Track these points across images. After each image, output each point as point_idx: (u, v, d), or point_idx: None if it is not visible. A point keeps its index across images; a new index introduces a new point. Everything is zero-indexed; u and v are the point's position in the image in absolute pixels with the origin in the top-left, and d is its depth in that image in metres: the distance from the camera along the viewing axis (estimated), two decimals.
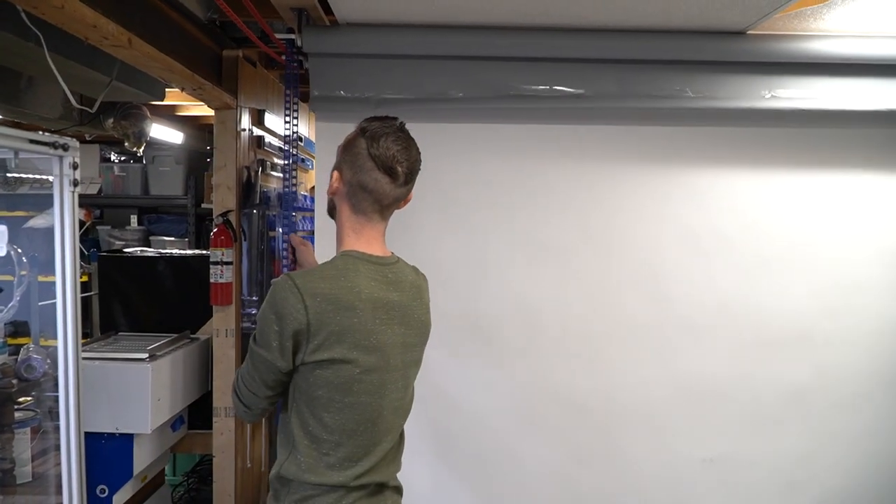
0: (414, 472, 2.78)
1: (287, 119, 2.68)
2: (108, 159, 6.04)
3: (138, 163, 5.91)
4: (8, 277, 2.44)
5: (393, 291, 1.51)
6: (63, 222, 1.36)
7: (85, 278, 4.49)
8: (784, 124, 2.80)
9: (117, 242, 5.93)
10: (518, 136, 2.82)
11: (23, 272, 1.91)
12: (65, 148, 1.28)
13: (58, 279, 1.44)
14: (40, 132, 1.24)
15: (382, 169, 1.48)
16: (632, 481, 2.97)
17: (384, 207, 1.53)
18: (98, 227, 6.11)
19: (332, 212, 1.60)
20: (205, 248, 5.10)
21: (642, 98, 2.61)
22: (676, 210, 2.88)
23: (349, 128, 1.53)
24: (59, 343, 1.50)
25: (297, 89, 2.67)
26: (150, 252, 3.89)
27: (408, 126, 1.51)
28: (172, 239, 5.93)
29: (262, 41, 2.75)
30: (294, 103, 2.67)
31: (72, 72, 2.56)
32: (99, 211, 6.33)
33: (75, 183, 1.34)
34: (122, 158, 5.99)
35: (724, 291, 2.90)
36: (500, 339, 2.90)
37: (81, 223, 3.21)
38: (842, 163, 2.90)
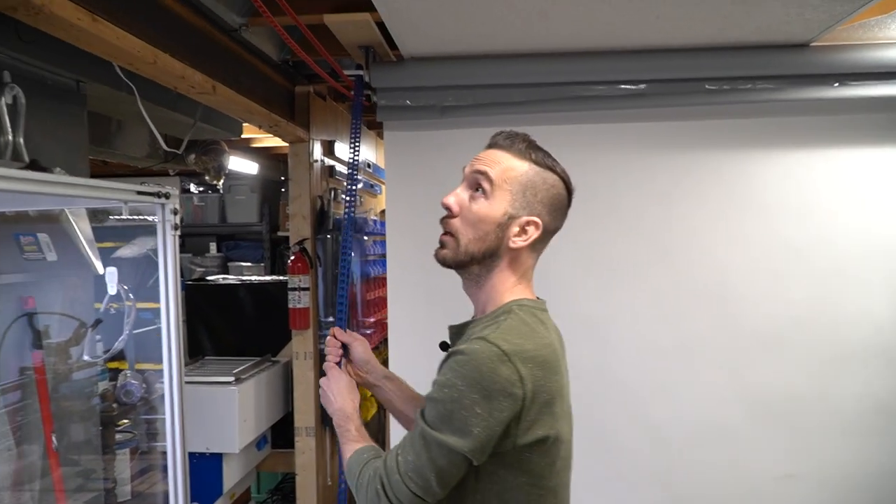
0: None
1: (352, 147, 2.78)
2: (188, 190, 6.34)
3: (216, 193, 6.19)
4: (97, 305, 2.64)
5: (559, 340, 1.37)
6: (166, 261, 1.50)
7: None
8: (853, 111, 2.74)
9: (198, 269, 6.20)
10: (579, 138, 2.83)
11: (128, 303, 2.07)
12: (167, 196, 1.42)
13: (162, 312, 1.57)
14: (145, 183, 1.38)
15: (568, 210, 1.38)
16: (709, 498, 2.95)
17: None
18: (180, 255, 6.41)
19: (483, 257, 1.29)
20: (280, 273, 5.31)
21: (701, 94, 2.64)
22: (743, 214, 2.86)
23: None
24: (165, 371, 1.63)
25: (359, 121, 2.77)
26: (232, 279, 4.08)
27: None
28: (249, 264, 6.16)
29: (332, 77, 2.89)
30: (356, 134, 2.77)
31: (158, 115, 2.75)
32: (181, 239, 6.65)
33: (176, 226, 1.48)
34: (201, 189, 6.28)
35: (796, 303, 2.86)
36: (571, 358, 2.94)
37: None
38: None
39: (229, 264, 6.19)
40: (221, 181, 4.08)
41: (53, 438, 2.03)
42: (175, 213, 1.45)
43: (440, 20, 2.25)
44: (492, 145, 1.33)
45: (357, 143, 2.77)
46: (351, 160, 2.76)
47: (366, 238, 4.04)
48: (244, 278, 4.14)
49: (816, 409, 2.88)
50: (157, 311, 2.56)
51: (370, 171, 4.30)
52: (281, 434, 3.45)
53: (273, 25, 2.20)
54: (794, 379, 2.87)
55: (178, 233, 1.51)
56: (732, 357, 2.89)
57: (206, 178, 4.00)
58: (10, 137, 1.87)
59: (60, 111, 2.15)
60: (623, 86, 2.60)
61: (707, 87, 2.58)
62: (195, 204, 6.25)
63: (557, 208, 1.32)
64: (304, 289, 3.18)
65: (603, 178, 2.86)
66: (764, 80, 2.58)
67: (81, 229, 2.07)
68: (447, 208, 1.31)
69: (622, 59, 2.56)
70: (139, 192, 1.35)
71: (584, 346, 2.93)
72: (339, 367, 1.47)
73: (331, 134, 3.58)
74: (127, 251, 2.89)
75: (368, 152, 4.43)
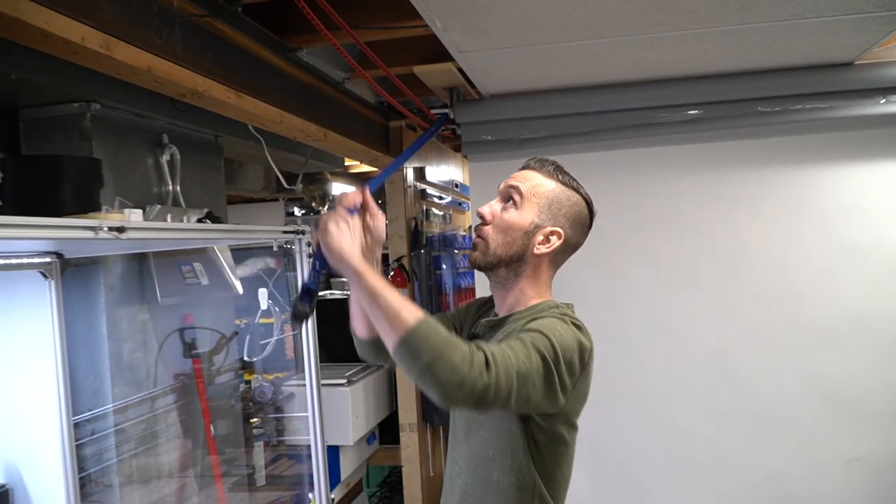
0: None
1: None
2: (292, 213, 6.89)
3: (316, 214, 6.71)
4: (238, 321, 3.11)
5: None
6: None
7: None
8: None
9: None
10: (647, 160, 3.15)
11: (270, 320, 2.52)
12: (302, 233, 1.83)
13: (305, 334, 1.98)
14: (290, 225, 1.80)
15: (589, 231, 1.55)
16: (779, 483, 3.17)
17: None
18: (287, 274, 6.97)
19: (510, 260, 1.43)
20: None
21: (755, 116, 2.89)
22: (801, 222, 3.09)
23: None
24: (306, 374, 2.04)
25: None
26: (338, 294, 4.54)
27: (545, 157, 1.52)
28: (339, 279, 6.65)
29: (420, 116, 3.29)
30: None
31: (275, 156, 3.22)
32: (286, 259, 7.23)
33: (310, 255, 1.89)
34: (303, 212, 6.83)
35: (854, 300, 3.06)
36: (643, 354, 3.23)
37: (272, 271, 3.89)
38: None
39: (331, 280, 6.72)
40: (326, 206, 4.55)
41: (212, 428, 2.48)
42: (308, 244, 1.86)
43: (510, 66, 2.60)
44: (525, 167, 1.51)
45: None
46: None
47: (455, 252, 4.43)
48: (348, 293, 4.59)
49: (878, 397, 3.06)
50: (268, 326, 3.04)
51: (457, 189, 4.69)
52: (387, 431, 3.86)
53: (368, 81, 2.61)
54: (856, 370, 3.07)
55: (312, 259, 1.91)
56: (797, 351, 3.11)
57: (313, 204, 4.49)
58: (170, 187, 2.34)
59: (203, 162, 2.62)
60: (681, 111, 2.88)
61: (759, 108, 2.83)
62: (298, 226, 6.82)
63: (579, 223, 1.49)
64: None
65: (667, 194, 3.17)
66: (812, 99, 2.81)
67: (224, 258, 2.54)
68: (481, 217, 1.48)
69: (678, 87, 2.85)
70: (285, 232, 1.77)
71: (659, 345, 3.22)
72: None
73: (421, 161, 3.98)
74: (242, 271, 3.37)
75: (456, 172, 4.82)
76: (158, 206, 2.18)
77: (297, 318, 1.40)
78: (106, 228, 1.10)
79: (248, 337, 2.85)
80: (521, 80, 2.82)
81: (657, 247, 3.19)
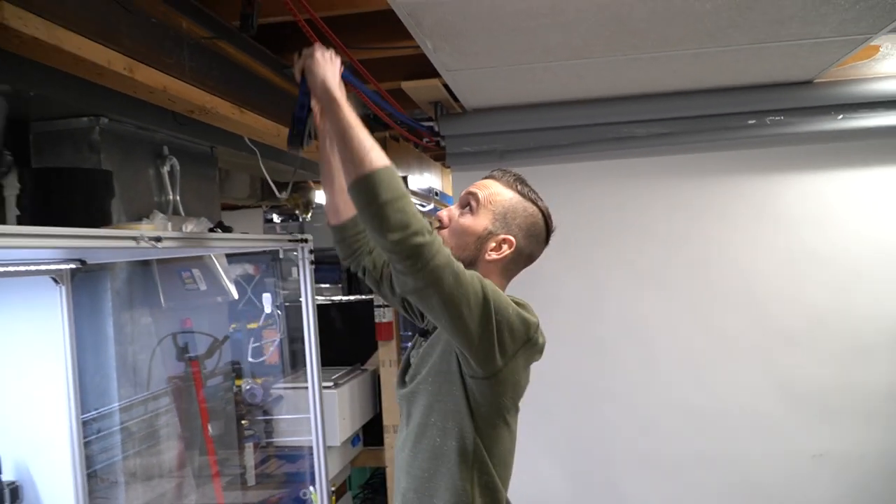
0: (550, 474, 3.32)
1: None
2: (270, 220, 6.96)
3: (295, 221, 6.80)
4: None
5: None
6: (306, 288, 2.03)
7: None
8: (858, 139, 3.13)
9: (283, 291, 6.81)
10: (622, 171, 3.33)
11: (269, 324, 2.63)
12: (306, 241, 1.95)
13: (305, 329, 2.11)
14: (294, 233, 1.92)
15: (546, 243, 1.59)
16: (749, 477, 3.34)
17: None
18: (266, 280, 7.04)
19: (462, 264, 1.35)
20: (355, 293, 5.88)
21: (723, 130, 3.07)
22: (766, 230, 3.28)
23: (481, 175, 1.58)
24: (309, 376, 2.16)
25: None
26: (321, 300, 4.65)
27: (527, 169, 1.61)
28: (328, 286, 6.74)
29: (406, 129, 3.42)
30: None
31: (266, 165, 3.32)
32: (265, 265, 7.31)
33: (312, 262, 2.01)
34: (283, 218, 6.91)
35: (818, 303, 3.26)
36: (618, 355, 3.39)
37: (251, 277, 4.01)
38: None
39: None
40: (309, 214, 4.66)
41: (210, 427, 2.58)
42: (311, 251, 1.99)
43: (493, 83, 2.75)
44: (487, 176, 1.57)
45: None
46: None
47: None
48: (335, 298, 4.71)
49: (840, 395, 3.26)
50: (252, 332, 3.16)
51: (437, 198, 4.82)
52: (370, 433, 3.98)
53: (359, 96, 2.74)
54: (818, 370, 3.26)
55: (313, 267, 2.04)
56: (763, 352, 3.31)
57: (297, 212, 4.59)
58: (171, 197, 2.44)
59: (199, 172, 2.72)
60: (653, 125, 3.05)
61: (726, 123, 3.01)
62: (277, 233, 6.89)
63: (533, 234, 1.53)
64: (388, 305, 3.71)
65: (641, 203, 3.35)
66: (775, 114, 2.99)
67: (221, 265, 2.64)
68: (439, 220, 1.53)
69: (651, 102, 3.02)
70: (290, 240, 1.89)
71: (631, 345, 3.39)
72: None
73: (404, 170, 4.10)
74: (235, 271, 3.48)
75: (436, 181, 4.96)
76: (161, 215, 2.28)
77: (293, 145, 1.55)
78: (147, 238, 1.22)
79: (251, 339, 2.97)
80: (503, 95, 2.96)
81: (632, 253, 3.37)
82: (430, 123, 3.21)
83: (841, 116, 2.97)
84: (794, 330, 3.30)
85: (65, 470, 2.04)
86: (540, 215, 1.55)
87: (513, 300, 1.42)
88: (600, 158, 3.24)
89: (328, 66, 1.41)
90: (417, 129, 3.17)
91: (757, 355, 3.32)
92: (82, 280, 2.08)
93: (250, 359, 2.88)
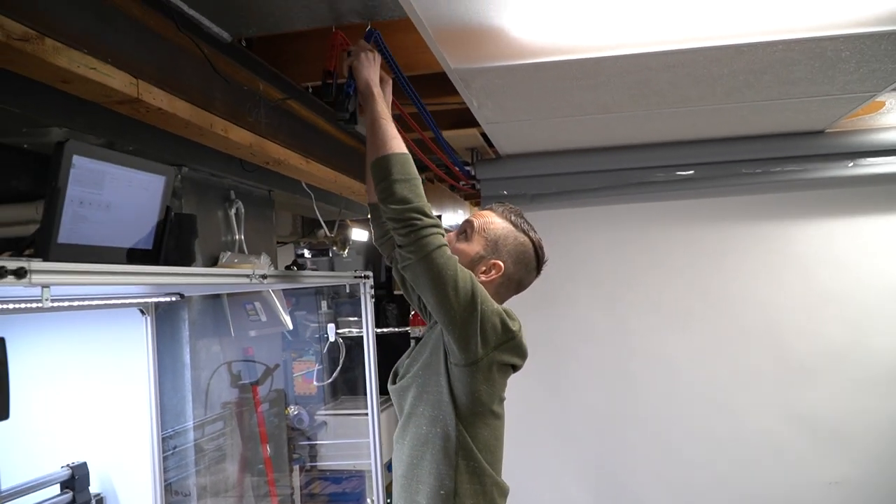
0: (578, 496, 3.50)
1: None
2: (302, 255, 7.22)
3: (325, 256, 7.05)
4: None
5: None
6: (367, 318, 2.27)
7: None
8: (868, 184, 3.35)
9: (312, 324, 7.04)
10: (646, 214, 3.56)
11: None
12: (367, 277, 2.19)
13: (366, 357, 2.33)
14: (356, 270, 2.17)
15: (537, 270, 1.73)
16: (768, 501, 3.51)
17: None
18: (296, 313, 7.28)
19: None
20: (382, 325, 6.13)
21: (741, 176, 3.29)
22: (783, 270, 3.49)
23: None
24: (368, 399, 2.38)
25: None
26: (356, 332, 4.87)
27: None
28: (355, 318, 6.95)
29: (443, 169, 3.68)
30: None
31: (310, 205, 3.59)
32: (295, 299, 7.56)
33: (373, 297, 2.25)
34: (313, 253, 7.17)
35: (833, 339, 3.44)
36: (644, 388, 3.59)
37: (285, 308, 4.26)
38: None
39: (338, 319, 7.03)
40: (346, 251, 4.91)
41: (268, 448, 2.80)
42: (372, 287, 2.23)
43: (527, 133, 3.00)
44: (486, 207, 1.74)
45: None
46: None
47: None
48: (375, 330, 4.94)
49: (854, 426, 3.43)
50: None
51: None
52: None
53: (409, 142, 3.00)
54: (833, 401, 3.44)
55: (373, 301, 2.27)
56: (781, 385, 3.49)
57: (335, 248, 4.85)
58: (237, 236, 2.70)
59: (259, 213, 2.98)
60: (675, 170, 3.28)
61: (743, 170, 3.24)
62: (308, 266, 7.16)
63: (522, 262, 1.67)
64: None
65: (666, 245, 3.60)
66: (789, 162, 3.22)
67: (276, 298, 2.89)
68: None
69: (672, 150, 3.26)
70: (355, 277, 2.14)
71: (658, 379, 3.59)
72: None
73: (437, 208, 4.36)
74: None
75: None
76: (229, 253, 2.54)
77: (339, 111, 1.81)
78: (257, 276, 1.46)
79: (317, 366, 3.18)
80: (536, 142, 3.22)
81: (657, 292, 3.59)
82: (468, 168, 3.46)
83: (852, 164, 3.19)
84: (811, 364, 3.48)
85: (145, 482, 2.27)
86: (530, 245, 1.69)
87: (503, 308, 1.57)
88: (626, 202, 3.48)
89: (371, 66, 1.68)
90: (459, 171, 3.42)
91: (775, 387, 3.50)
92: (164, 311, 2.33)
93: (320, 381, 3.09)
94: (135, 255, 1.25)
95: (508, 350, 1.57)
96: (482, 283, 1.59)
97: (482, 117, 2.64)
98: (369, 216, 1.94)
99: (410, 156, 1.53)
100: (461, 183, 3.57)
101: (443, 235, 1.48)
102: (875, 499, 3.44)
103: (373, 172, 1.52)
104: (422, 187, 1.51)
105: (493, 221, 1.70)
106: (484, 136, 3.17)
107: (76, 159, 1.27)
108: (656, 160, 3.32)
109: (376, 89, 1.63)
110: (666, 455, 3.58)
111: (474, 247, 1.66)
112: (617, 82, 2.25)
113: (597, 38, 1.89)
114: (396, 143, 1.53)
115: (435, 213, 1.53)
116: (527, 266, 1.70)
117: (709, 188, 3.37)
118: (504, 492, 1.64)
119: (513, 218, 1.70)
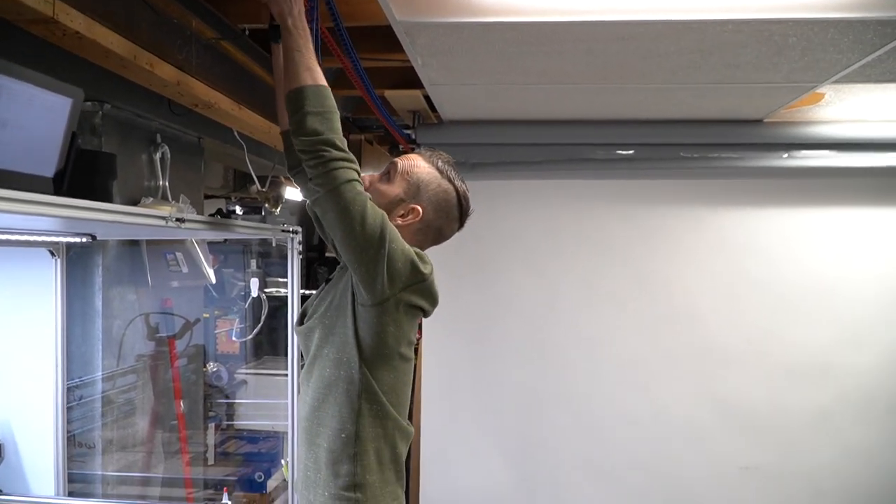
0: (500, 470, 3.51)
1: None
2: (233, 212, 7.03)
3: (257, 213, 6.88)
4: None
5: None
6: (293, 276, 2.18)
7: None
8: (800, 177, 3.41)
9: (239, 283, 6.88)
10: (583, 191, 3.54)
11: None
12: (296, 232, 2.10)
13: (289, 314, 2.25)
14: (284, 223, 2.08)
15: (459, 221, 1.68)
16: (681, 484, 3.58)
17: (432, 245, 1.69)
18: (223, 270, 7.11)
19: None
20: (313, 287, 6.03)
21: (678, 160, 3.31)
22: (710, 256, 3.53)
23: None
24: (289, 362, 2.29)
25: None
26: (283, 293, 4.77)
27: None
28: (284, 280, 6.82)
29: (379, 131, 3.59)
30: None
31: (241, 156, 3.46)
32: (223, 256, 7.36)
33: (300, 252, 2.16)
34: (245, 210, 6.98)
35: (753, 327, 3.52)
36: (565, 364, 3.60)
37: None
38: (851, 206, 3.50)
39: (268, 279, 6.89)
40: (279, 209, 4.77)
41: (182, 404, 2.70)
42: (300, 242, 2.14)
43: (472, 98, 2.93)
44: (415, 151, 1.73)
45: None
46: None
47: None
48: (304, 292, 4.83)
49: (768, 413, 3.52)
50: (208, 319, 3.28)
51: None
52: None
53: (364, 97, 2.91)
54: (750, 388, 3.52)
55: (300, 256, 2.19)
56: (700, 368, 3.55)
57: (266, 205, 4.70)
58: (160, 182, 2.57)
59: (187, 161, 2.85)
60: (617, 150, 3.28)
61: (681, 153, 3.25)
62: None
63: (443, 209, 1.63)
64: None
65: (599, 223, 3.57)
66: (726, 149, 3.24)
67: (200, 250, 2.77)
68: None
69: (616, 128, 3.24)
70: (283, 231, 2.04)
71: (581, 356, 3.61)
72: None
73: (376, 170, 4.27)
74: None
75: None
76: (151, 199, 2.41)
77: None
78: (174, 219, 1.36)
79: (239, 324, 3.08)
80: (480, 110, 3.15)
81: (586, 268, 3.59)
82: (408, 132, 3.38)
83: (786, 155, 3.23)
84: (731, 351, 3.54)
85: (47, 432, 2.16)
86: (454, 193, 1.64)
87: (414, 250, 1.53)
88: (566, 177, 3.45)
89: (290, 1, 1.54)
90: (399, 133, 3.33)
91: (696, 372, 3.56)
92: (76, 254, 2.20)
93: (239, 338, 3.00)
94: (31, 183, 1.14)
95: (417, 292, 1.53)
96: (398, 226, 1.54)
97: (426, 77, 2.56)
98: (283, 144, 1.85)
99: (329, 88, 1.47)
100: (401, 147, 3.49)
101: (355, 171, 1.43)
102: (786, 487, 3.55)
103: (287, 105, 1.47)
104: (338, 121, 1.45)
105: (418, 165, 1.65)
106: (427, 99, 3.10)
107: None
108: (598, 137, 3.30)
109: (291, 20, 1.52)
110: (586, 434, 3.61)
111: (395, 189, 1.61)
112: (567, 51, 2.20)
113: (550, 2, 1.84)
114: (311, 75, 1.46)
115: (371, 173, 1.45)
116: (448, 215, 1.65)
117: (647, 170, 3.37)
118: (406, 434, 1.61)
119: (439, 164, 1.66)
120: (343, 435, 1.50)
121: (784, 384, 3.53)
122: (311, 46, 1.52)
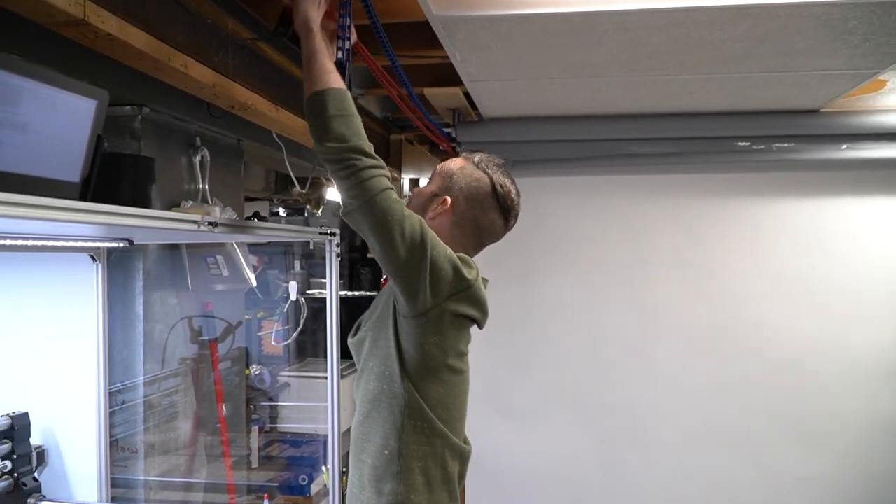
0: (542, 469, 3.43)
1: None
2: (276, 213, 7.07)
3: (300, 215, 6.90)
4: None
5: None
6: (331, 279, 2.15)
7: None
8: (860, 169, 3.26)
9: (283, 284, 6.91)
10: (629, 187, 3.45)
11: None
12: (334, 234, 2.07)
13: (329, 320, 2.22)
14: (322, 227, 2.04)
15: (501, 210, 1.61)
16: (735, 496, 3.45)
17: (482, 247, 1.66)
18: (268, 272, 7.15)
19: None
20: (356, 288, 6.03)
21: (730, 153, 3.19)
22: (764, 253, 3.40)
23: None
24: (329, 367, 2.26)
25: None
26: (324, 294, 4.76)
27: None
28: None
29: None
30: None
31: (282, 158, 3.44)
32: (268, 258, 7.41)
33: (338, 255, 2.13)
34: (288, 212, 7.01)
35: (812, 331, 3.37)
36: (614, 372, 3.51)
37: (254, 268, 4.12)
38: None
39: (311, 280, 6.90)
40: (321, 210, 4.77)
41: (224, 408, 2.69)
42: (338, 245, 2.10)
43: (512, 94, 2.87)
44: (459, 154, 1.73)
45: None
46: None
47: None
48: (342, 294, 4.82)
49: (826, 424, 3.37)
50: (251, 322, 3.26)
51: None
52: None
53: (392, 97, 2.86)
54: (809, 397, 3.37)
55: (339, 259, 2.15)
56: (754, 375, 3.41)
57: (308, 206, 4.70)
58: (200, 185, 2.55)
59: (226, 163, 2.83)
60: (663, 143, 3.17)
61: (734, 145, 3.13)
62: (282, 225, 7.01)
63: (476, 198, 1.59)
64: None
65: (645, 220, 3.47)
66: (781, 140, 3.11)
67: (241, 253, 2.75)
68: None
69: (663, 122, 3.14)
70: (321, 234, 2.01)
71: (628, 357, 3.51)
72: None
73: (417, 171, 4.22)
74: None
75: None
76: (191, 203, 2.40)
77: (276, 34, 1.71)
78: (205, 223, 1.33)
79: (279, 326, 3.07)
80: (520, 106, 3.08)
81: (632, 268, 3.49)
82: (448, 130, 3.33)
83: (845, 146, 3.09)
84: (788, 356, 3.40)
85: (90, 437, 2.15)
86: (487, 181, 1.60)
87: (458, 255, 1.49)
88: (611, 174, 3.37)
89: (313, 5, 1.52)
90: (440, 133, 3.28)
91: (749, 378, 3.43)
92: (117, 259, 2.20)
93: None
94: (56, 188, 1.12)
95: (464, 300, 1.48)
96: (432, 222, 1.53)
97: (465, 73, 2.51)
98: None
99: (349, 92, 1.43)
100: (442, 145, 3.44)
101: (387, 177, 1.39)
102: (842, 495, 3.40)
103: (307, 111, 1.42)
104: (362, 126, 1.40)
105: (454, 161, 1.66)
106: (467, 96, 3.04)
107: None
108: (644, 132, 3.20)
109: (310, 25, 1.49)
110: (634, 440, 3.51)
111: (431, 186, 1.64)
112: (610, 42, 2.12)
113: None
114: (333, 78, 1.42)
115: (412, 174, 1.44)
116: (482, 204, 1.59)
117: (696, 164, 3.27)
118: (459, 452, 1.54)
119: (476, 159, 1.65)
120: (386, 451, 1.46)
121: (842, 390, 3.38)
122: (331, 50, 1.51)
